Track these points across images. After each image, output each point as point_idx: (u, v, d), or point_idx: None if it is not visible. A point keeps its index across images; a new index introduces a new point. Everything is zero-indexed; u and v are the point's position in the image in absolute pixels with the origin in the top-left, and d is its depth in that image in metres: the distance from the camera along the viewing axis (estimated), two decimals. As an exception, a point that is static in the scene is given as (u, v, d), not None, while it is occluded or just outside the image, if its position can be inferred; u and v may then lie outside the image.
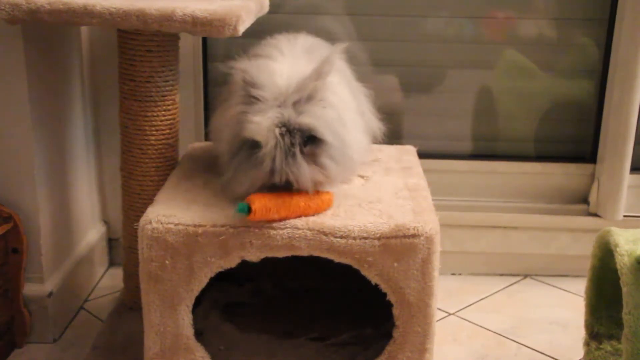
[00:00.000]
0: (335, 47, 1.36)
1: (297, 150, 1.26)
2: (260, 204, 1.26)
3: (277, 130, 1.25)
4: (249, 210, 1.26)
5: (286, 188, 1.28)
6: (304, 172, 1.27)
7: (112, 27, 1.50)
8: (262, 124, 1.25)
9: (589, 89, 2.19)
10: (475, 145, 2.24)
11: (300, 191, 1.29)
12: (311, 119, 1.27)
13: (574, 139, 2.23)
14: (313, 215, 1.32)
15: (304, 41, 1.51)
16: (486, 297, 2.10)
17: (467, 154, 2.24)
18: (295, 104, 1.27)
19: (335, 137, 1.31)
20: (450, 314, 2.00)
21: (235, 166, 1.31)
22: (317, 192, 1.32)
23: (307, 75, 1.29)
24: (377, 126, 1.58)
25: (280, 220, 1.29)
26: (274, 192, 1.28)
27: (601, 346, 1.52)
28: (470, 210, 2.18)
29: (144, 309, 1.33)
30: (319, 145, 1.29)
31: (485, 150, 2.24)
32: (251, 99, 1.28)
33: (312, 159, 1.28)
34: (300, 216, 1.30)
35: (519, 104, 2.21)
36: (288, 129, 1.26)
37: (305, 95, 1.28)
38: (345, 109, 1.39)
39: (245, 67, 1.31)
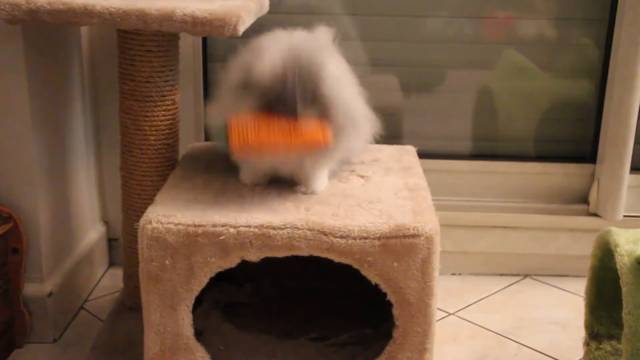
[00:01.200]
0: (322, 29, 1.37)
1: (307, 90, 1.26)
2: (239, 131, 1.20)
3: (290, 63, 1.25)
4: (227, 138, 1.20)
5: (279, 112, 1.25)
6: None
7: (112, 27, 1.50)
8: (274, 58, 1.25)
9: (589, 89, 2.19)
10: (475, 145, 2.24)
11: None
12: (330, 92, 1.29)
13: (574, 139, 2.23)
14: (306, 147, 1.29)
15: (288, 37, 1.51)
16: (486, 297, 2.10)
17: (467, 154, 2.24)
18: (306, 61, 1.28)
19: (346, 117, 1.31)
20: (450, 314, 2.00)
21: (226, 94, 1.31)
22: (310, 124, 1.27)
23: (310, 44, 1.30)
24: (374, 125, 1.58)
25: (267, 148, 1.25)
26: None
27: (601, 346, 1.52)
28: (470, 210, 2.18)
29: (144, 309, 1.33)
30: (324, 105, 1.29)
31: (485, 150, 2.24)
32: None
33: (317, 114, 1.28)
34: (289, 146, 1.26)
35: (519, 104, 2.21)
36: (302, 73, 1.25)
37: (317, 63, 1.28)
38: (350, 82, 1.40)
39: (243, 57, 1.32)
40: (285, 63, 1.26)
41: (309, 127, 1.26)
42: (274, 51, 1.27)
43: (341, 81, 1.35)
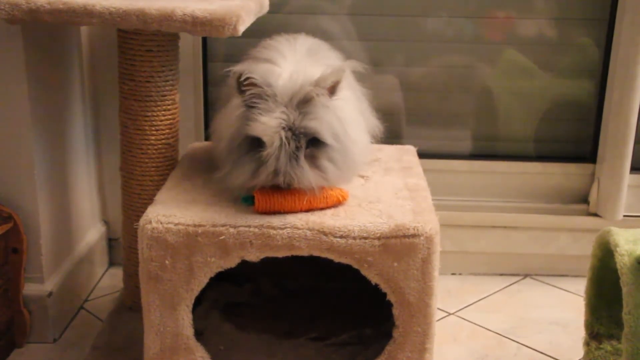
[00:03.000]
0: (347, 63, 1.37)
1: (300, 154, 1.28)
2: (264, 194, 1.29)
3: (282, 133, 1.26)
4: (253, 200, 1.29)
5: (287, 187, 1.29)
6: (307, 175, 1.28)
7: (112, 27, 1.50)
8: (268, 124, 1.27)
9: (589, 89, 2.19)
10: (475, 145, 2.24)
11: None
12: (315, 122, 1.29)
13: (574, 139, 2.23)
14: (323, 209, 1.33)
15: (303, 42, 1.51)
16: (486, 297, 2.10)
17: (467, 154, 2.23)
18: (299, 105, 1.28)
19: (337, 139, 1.32)
20: (450, 314, 2.00)
21: (234, 159, 1.33)
22: (324, 188, 1.33)
23: (314, 79, 1.30)
24: (375, 125, 1.59)
25: (287, 212, 1.30)
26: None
27: (601, 346, 1.52)
28: (470, 210, 2.18)
29: (144, 309, 1.33)
30: (319, 148, 1.30)
31: (485, 150, 2.24)
32: (257, 98, 1.29)
33: (313, 161, 1.30)
34: (308, 210, 1.32)
35: (519, 104, 2.21)
36: (293, 132, 1.27)
37: (309, 96, 1.28)
38: (348, 109, 1.39)
39: (249, 68, 1.32)
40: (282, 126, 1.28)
41: (328, 191, 1.34)
42: (271, 117, 1.28)
43: (339, 122, 1.35)
